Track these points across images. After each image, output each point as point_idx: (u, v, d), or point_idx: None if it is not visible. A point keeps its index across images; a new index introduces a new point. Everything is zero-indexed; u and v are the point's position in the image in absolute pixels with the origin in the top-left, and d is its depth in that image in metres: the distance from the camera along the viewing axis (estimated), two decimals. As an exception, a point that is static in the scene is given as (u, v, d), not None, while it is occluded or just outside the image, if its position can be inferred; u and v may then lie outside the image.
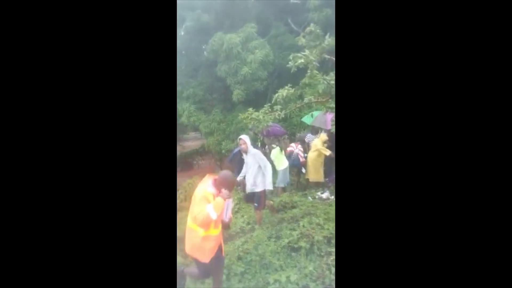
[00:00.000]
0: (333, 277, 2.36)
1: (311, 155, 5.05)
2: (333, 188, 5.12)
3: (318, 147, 4.93)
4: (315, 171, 5.05)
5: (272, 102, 3.57)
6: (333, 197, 4.71)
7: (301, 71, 3.32)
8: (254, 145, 5.49)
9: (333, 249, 2.76)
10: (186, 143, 12.15)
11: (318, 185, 5.09)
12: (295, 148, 5.35)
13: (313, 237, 2.87)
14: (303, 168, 5.32)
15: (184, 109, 7.56)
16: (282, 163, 4.99)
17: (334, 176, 5.25)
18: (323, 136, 5.07)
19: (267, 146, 5.37)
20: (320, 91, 3.79)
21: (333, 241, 2.87)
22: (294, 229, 3.09)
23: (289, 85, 3.43)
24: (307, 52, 2.93)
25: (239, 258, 2.73)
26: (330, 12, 6.57)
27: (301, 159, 5.24)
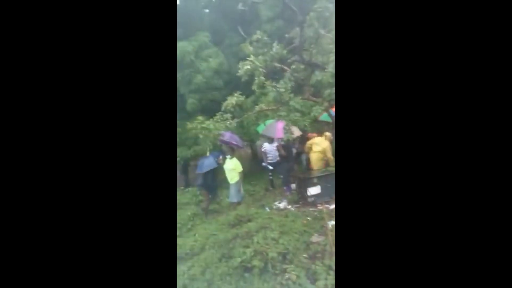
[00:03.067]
0: (286, 298, 2.18)
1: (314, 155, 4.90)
2: (290, 197, 5.05)
3: (325, 147, 4.78)
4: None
5: (222, 109, 3.38)
6: (290, 207, 4.62)
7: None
8: (211, 154, 5.24)
9: (288, 266, 2.60)
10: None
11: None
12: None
13: (267, 254, 2.68)
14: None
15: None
16: (234, 176, 4.77)
17: (293, 185, 5.20)
18: (329, 135, 4.92)
19: (221, 157, 5.12)
20: (271, 99, 3.73)
21: (288, 257, 2.71)
22: (247, 246, 2.87)
23: (238, 92, 3.28)
24: (252, 57, 2.81)
25: (184, 286, 2.42)
26: (281, 24, 6.68)
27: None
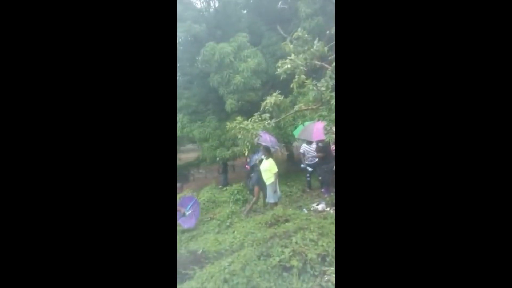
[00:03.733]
0: (327, 302, 2.13)
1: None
2: (329, 199, 4.90)
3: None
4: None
5: (261, 110, 3.41)
6: (329, 209, 4.49)
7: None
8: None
9: (328, 268, 2.53)
10: (181, 155, 11.93)
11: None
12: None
13: (306, 255, 2.64)
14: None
15: (178, 120, 7.39)
16: (270, 177, 4.77)
17: (329, 187, 5.05)
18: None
19: (256, 157, 5.17)
20: (311, 98, 3.65)
21: (328, 259, 2.64)
22: (286, 246, 2.86)
23: (277, 91, 3.27)
24: (293, 56, 2.78)
25: (225, 280, 2.49)
26: (321, 20, 6.52)
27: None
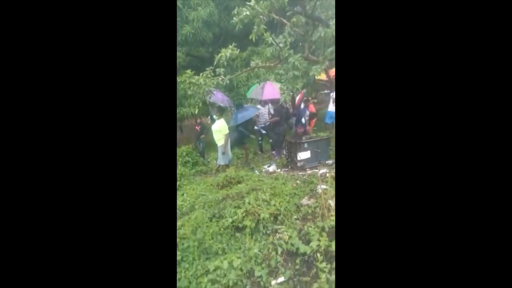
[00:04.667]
0: (280, 258, 2.19)
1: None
2: (279, 161, 5.01)
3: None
4: None
5: (214, 64, 3.07)
6: (279, 170, 4.60)
7: (249, 35, 2.86)
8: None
9: (279, 227, 2.59)
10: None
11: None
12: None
13: (259, 215, 2.65)
14: None
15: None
16: (220, 138, 4.61)
17: (281, 150, 5.14)
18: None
19: (209, 117, 4.90)
20: (268, 54, 3.42)
21: (280, 218, 2.70)
22: (238, 207, 2.82)
23: (234, 44, 2.95)
24: (253, 2, 2.45)
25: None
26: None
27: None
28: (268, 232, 2.56)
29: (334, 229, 2.24)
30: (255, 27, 2.62)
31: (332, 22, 3.02)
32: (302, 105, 5.42)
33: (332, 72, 4.22)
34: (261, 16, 2.54)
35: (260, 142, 6.11)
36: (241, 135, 5.18)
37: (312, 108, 5.93)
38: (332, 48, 3.08)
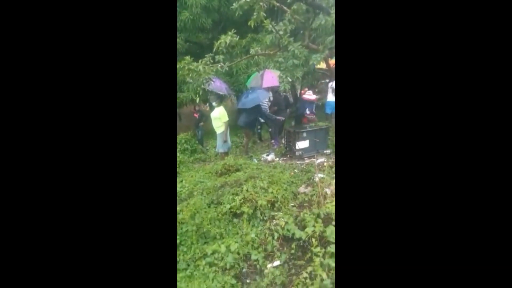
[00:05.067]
0: (276, 243, 2.25)
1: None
2: (278, 150, 5.05)
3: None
4: None
5: (214, 51, 3.04)
6: (277, 159, 4.63)
7: (249, 22, 2.82)
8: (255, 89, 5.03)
9: (276, 213, 2.65)
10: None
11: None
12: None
13: (256, 202, 2.70)
14: None
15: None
16: (220, 126, 4.61)
17: (278, 139, 5.16)
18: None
19: (207, 104, 4.87)
20: (268, 42, 3.39)
21: (277, 205, 2.75)
22: (237, 194, 2.87)
23: (233, 30, 2.92)
24: (254, -13, 2.41)
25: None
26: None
27: None
28: (265, 218, 2.62)
29: (329, 216, 2.30)
30: (254, 13, 2.59)
31: (333, 10, 2.99)
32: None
33: (332, 61, 4.19)
34: (261, 3, 2.51)
35: (259, 131, 6.12)
36: (253, 120, 5.13)
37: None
38: (333, 37, 3.05)
